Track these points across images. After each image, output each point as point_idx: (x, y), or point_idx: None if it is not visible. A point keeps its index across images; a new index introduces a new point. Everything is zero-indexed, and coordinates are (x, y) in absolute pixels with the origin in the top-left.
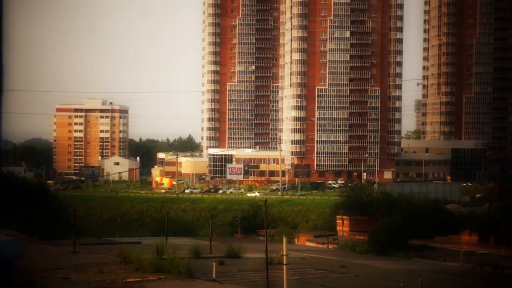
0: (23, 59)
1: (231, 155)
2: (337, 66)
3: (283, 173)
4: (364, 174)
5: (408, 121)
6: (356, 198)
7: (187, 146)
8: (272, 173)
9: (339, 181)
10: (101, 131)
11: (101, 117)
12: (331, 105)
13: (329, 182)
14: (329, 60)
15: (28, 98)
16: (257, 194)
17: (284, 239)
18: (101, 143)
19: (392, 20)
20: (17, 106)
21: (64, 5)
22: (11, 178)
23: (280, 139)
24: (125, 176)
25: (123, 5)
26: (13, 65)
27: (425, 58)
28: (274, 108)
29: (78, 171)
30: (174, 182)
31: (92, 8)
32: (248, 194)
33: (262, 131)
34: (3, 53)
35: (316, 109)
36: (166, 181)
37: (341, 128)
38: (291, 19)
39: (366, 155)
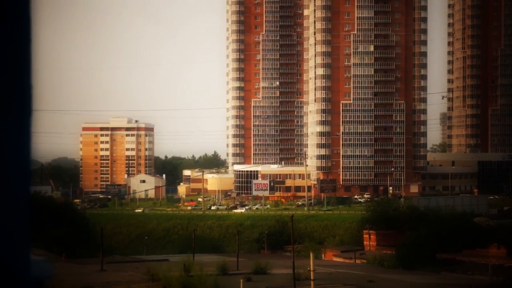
0: (50, 79)
1: (257, 171)
2: (361, 81)
3: (309, 188)
4: (390, 188)
5: (433, 135)
6: (382, 213)
7: (213, 162)
8: (298, 188)
9: (365, 196)
10: (127, 149)
11: (127, 135)
12: (356, 119)
13: (355, 196)
14: (353, 75)
15: (54, 118)
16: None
17: (311, 255)
18: (127, 161)
19: (416, 33)
20: (44, 125)
21: (89, 26)
22: (38, 197)
23: (305, 154)
24: (151, 193)
25: (146, 25)
26: (40, 86)
27: (450, 71)
28: (299, 123)
29: (104, 189)
30: (199, 199)
31: (118, 28)
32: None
33: (287, 147)
34: (32, 74)
35: (341, 124)
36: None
37: (367, 142)
38: (314, 34)
39: (392, 169)
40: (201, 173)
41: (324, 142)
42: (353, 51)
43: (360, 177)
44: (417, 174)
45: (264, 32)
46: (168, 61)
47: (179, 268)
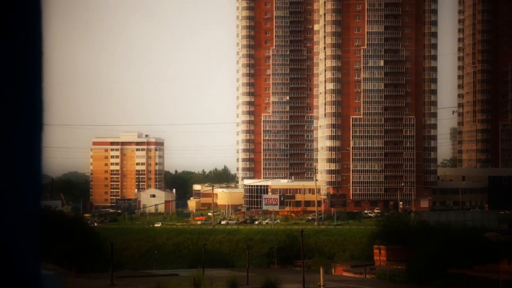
0: (61, 93)
1: (267, 186)
2: (371, 95)
3: (319, 203)
4: (401, 203)
5: (444, 149)
6: (393, 227)
7: (223, 177)
8: (308, 203)
9: (375, 211)
10: (137, 164)
11: (137, 150)
12: (366, 134)
13: (365, 211)
14: (363, 90)
15: (64, 132)
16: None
17: (321, 270)
18: (137, 176)
19: (426, 48)
20: (54, 140)
21: (100, 40)
22: (49, 212)
23: (315, 169)
24: (162, 208)
25: (156, 39)
26: (51, 100)
27: (460, 86)
28: (309, 138)
29: (114, 204)
30: (209, 214)
31: (128, 42)
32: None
33: (297, 161)
34: (43, 89)
35: (351, 139)
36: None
37: (377, 157)
38: (324, 49)
39: (402, 184)
40: (211, 188)
41: (334, 156)
42: (363, 66)
43: (370, 192)
44: (427, 189)
45: (274, 47)
46: (178, 75)
47: (189, 283)
